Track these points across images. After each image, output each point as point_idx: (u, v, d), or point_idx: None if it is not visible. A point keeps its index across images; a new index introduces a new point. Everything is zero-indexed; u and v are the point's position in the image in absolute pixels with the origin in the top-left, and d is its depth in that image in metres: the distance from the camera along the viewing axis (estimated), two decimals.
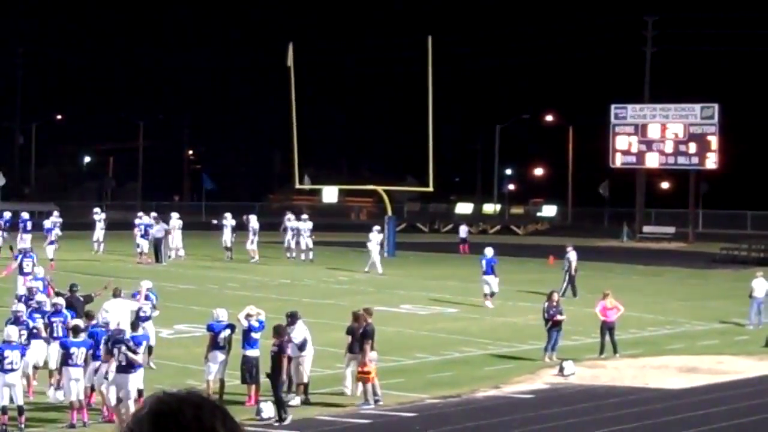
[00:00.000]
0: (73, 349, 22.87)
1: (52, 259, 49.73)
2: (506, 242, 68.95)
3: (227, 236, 55.42)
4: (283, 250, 57.40)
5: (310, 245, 56.37)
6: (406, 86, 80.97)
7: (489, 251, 42.42)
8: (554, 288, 35.28)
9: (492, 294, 40.99)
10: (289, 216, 58.89)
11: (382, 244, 53.09)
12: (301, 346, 25.10)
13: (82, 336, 23.52)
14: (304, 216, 58.65)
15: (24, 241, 52.95)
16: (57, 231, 52.47)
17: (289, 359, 24.41)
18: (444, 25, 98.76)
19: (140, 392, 24.03)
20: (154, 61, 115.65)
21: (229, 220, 55.63)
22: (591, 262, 55.52)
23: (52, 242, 50.72)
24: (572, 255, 44.88)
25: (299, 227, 56.76)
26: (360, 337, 25.29)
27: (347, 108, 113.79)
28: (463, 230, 67.76)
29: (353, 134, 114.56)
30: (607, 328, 31.71)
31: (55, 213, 56.06)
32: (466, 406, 25.09)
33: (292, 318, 25.72)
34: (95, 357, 23.48)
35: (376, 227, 53.92)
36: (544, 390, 27.27)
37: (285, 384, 24.24)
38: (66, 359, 22.84)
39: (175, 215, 56.24)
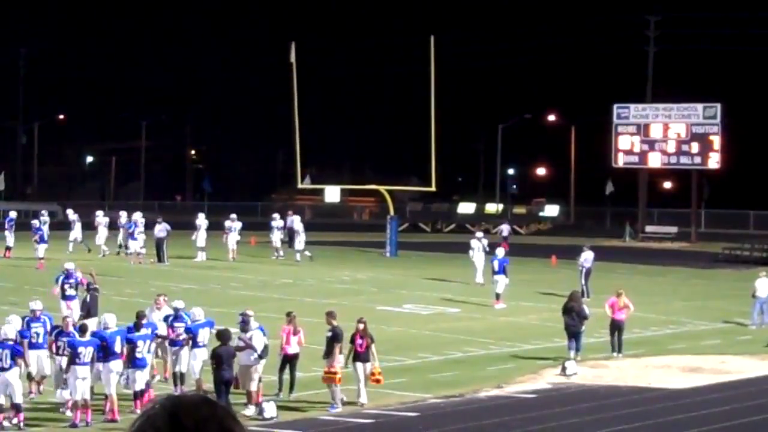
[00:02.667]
0: (80, 348, 22.98)
1: (41, 258, 49.75)
2: (509, 242, 68.79)
3: (201, 236, 54.59)
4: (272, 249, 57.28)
5: (301, 246, 56.08)
6: (409, 86, 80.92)
7: (501, 251, 42.71)
8: (554, 288, 35.24)
9: (497, 295, 40.92)
10: (275, 215, 58.86)
11: (486, 251, 47.44)
12: (262, 354, 24.59)
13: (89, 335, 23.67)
14: (275, 215, 58.51)
15: (8, 239, 53.21)
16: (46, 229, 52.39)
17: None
18: (446, 25, 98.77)
19: (141, 392, 24.02)
20: (156, 61, 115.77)
21: (201, 220, 54.99)
22: (593, 261, 55.44)
23: (43, 241, 50.64)
24: (582, 255, 44.87)
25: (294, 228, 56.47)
26: (330, 340, 24.94)
27: (349, 107, 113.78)
28: (505, 229, 68.78)
29: (355, 134, 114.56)
30: (616, 327, 31.74)
31: (44, 212, 55.69)
32: (468, 406, 25.07)
33: (245, 323, 25.06)
34: (97, 358, 23.60)
35: (478, 233, 50.98)
36: (546, 390, 27.26)
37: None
38: (74, 358, 22.92)
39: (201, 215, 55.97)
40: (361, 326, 25.10)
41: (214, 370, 23.57)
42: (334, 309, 27.11)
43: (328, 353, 24.80)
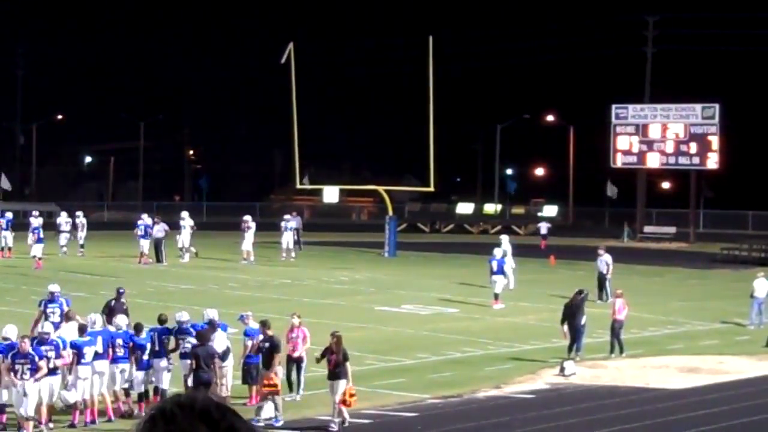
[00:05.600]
0: (86, 349, 23.11)
1: (40, 258, 49.73)
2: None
3: (185, 237, 54.24)
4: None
5: (290, 246, 56.88)
6: (407, 86, 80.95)
7: (498, 252, 42.60)
8: (557, 289, 35.19)
9: (495, 295, 40.91)
10: (287, 216, 58.91)
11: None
12: (223, 356, 24.10)
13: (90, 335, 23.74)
14: (287, 216, 58.82)
15: (5, 238, 53.23)
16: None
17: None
18: (445, 25, 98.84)
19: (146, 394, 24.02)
20: (155, 61, 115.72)
21: (187, 221, 54.60)
22: (591, 262, 55.45)
23: (39, 240, 50.60)
24: (600, 258, 44.62)
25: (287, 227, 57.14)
26: (268, 351, 23.92)
27: (348, 108, 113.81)
28: (544, 227, 69.32)
29: (354, 134, 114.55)
30: (618, 327, 31.77)
31: (35, 213, 55.43)
32: (467, 406, 25.08)
33: (212, 326, 24.65)
34: (114, 359, 23.81)
35: (504, 236, 49.77)
36: (545, 390, 27.26)
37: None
38: (78, 359, 23.01)
39: (185, 214, 55.77)
40: (334, 340, 23.82)
41: (192, 371, 23.33)
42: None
43: (267, 365, 23.80)
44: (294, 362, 25.75)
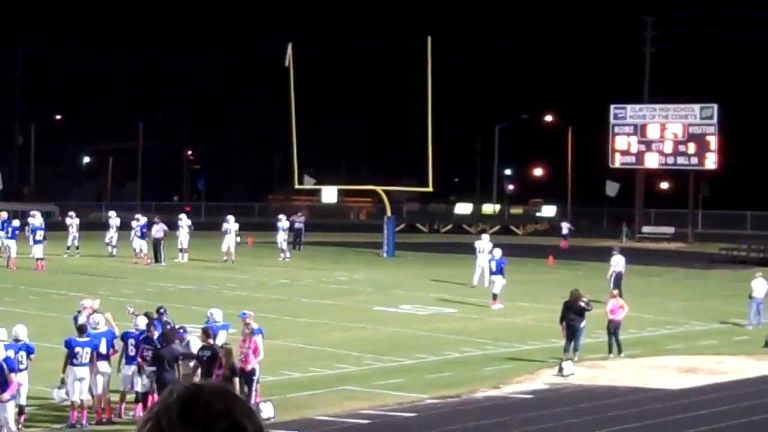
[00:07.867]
0: (77, 349, 23.02)
1: (41, 259, 49.63)
2: (506, 242, 68.85)
3: (183, 238, 54.22)
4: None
5: (283, 246, 57.04)
6: (406, 86, 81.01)
7: (498, 252, 42.61)
8: (556, 289, 35.08)
9: (494, 295, 40.91)
10: (281, 216, 59.04)
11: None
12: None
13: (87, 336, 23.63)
14: (281, 216, 59.01)
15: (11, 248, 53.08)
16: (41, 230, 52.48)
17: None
18: (443, 25, 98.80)
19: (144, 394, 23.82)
20: (154, 61, 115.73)
21: (184, 221, 54.54)
22: (590, 262, 55.59)
23: (38, 242, 50.40)
24: (613, 259, 44.38)
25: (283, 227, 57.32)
26: (209, 360, 22.93)
27: (347, 108, 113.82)
28: (565, 226, 69.87)
29: (353, 134, 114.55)
30: (613, 327, 31.76)
31: (37, 213, 55.32)
32: (465, 407, 25.09)
33: (184, 331, 24.24)
34: (128, 360, 23.71)
35: (485, 235, 50.27)
36: (543, 390, 27.27)
37: None
38: (71, 359, 22.93)
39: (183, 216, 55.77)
40: (222, 353, 22.68)
41: (155, 372, 23.04)
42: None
43: (207, 375, 22.82)
44: (245, 376, 23.87)
